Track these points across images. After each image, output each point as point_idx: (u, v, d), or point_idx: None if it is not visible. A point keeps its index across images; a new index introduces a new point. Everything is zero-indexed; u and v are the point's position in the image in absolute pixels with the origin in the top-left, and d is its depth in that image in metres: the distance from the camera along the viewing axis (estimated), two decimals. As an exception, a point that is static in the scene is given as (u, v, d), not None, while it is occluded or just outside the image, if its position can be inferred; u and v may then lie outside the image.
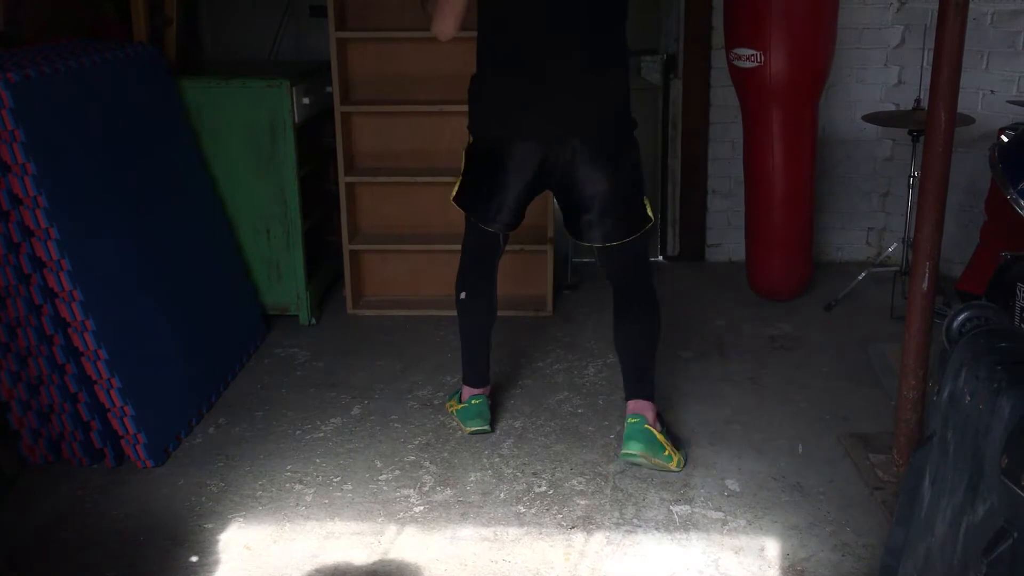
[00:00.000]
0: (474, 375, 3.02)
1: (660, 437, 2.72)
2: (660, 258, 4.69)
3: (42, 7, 3.55)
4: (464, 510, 2.60)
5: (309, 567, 2.38)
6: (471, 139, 2.76)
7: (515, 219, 2.76)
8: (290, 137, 3.61)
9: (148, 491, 2.70)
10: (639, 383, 2.82)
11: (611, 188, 2.64)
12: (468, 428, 2.98)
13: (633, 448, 2.70)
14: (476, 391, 3.01)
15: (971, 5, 2.40)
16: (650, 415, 2.77)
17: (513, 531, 2.50)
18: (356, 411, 3.17)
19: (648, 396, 2.80)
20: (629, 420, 2.76)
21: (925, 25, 3.90)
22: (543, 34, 2.58)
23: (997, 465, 1.45)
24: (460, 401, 3.05)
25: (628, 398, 2.83)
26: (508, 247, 3.92)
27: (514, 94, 2.63)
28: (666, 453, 2.71)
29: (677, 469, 2.73)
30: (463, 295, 2.92)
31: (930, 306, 2.54)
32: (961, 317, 1.79)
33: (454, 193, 2.80)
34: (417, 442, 2.96)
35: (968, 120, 3.58)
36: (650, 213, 2.70)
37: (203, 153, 3.60)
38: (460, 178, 2.78)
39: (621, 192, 2.66)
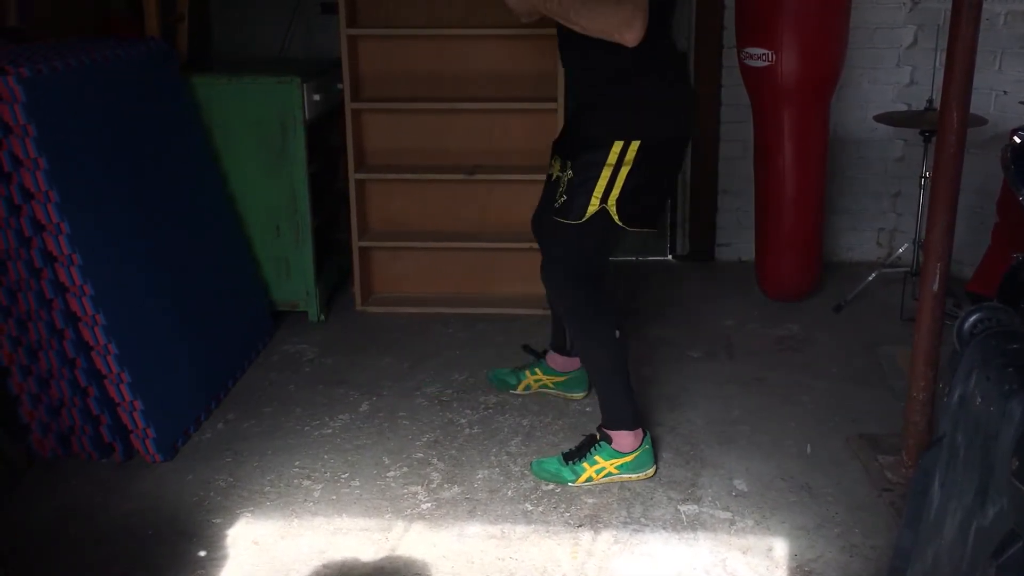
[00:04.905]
0: (638, 413, 2.77)
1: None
2: (669, 257, 4.68)
3: (53, 3, 3.57)
4: (472, 507, 2.60)
5: (317, 563, 2.38)
6: (634, 146, 2.49)
7: None
8: (300, 134, 3.62)
9: (157, 486, 2.71)
10: None
11: None
12: (647, 473, 2.72)
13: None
14: (642, 432, 2.74)
15: (984, 5, 2.39)
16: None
17: (520, 529, 2.51)
18: (364, 408, 3.17)
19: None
20: None
21: (938, 25, 3.88)
22: (672, 35, 2.63)
23: (1007, 468, 1.45)
24: (627, 452, 2.70)
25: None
26: (517, 244, 3.97)
27: (686, 93, 2.65)
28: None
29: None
30: (618, 333, 2.66)
31: (940, 307, 2.54)
32: (972, 319, 1.78)
33: (617, 217, 2.53)
34: (425, 439, 2.96)
35: (980, 121, 3.56)
36: None
37: (213, 149, 3.61)
38: (618, 195, 2.52)
39: None
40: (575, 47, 2.56)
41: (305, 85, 3.60)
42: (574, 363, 3.13)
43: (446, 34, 3.87)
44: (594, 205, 2.52)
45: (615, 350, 2.68)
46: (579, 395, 3.17)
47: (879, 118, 3.85)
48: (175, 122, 3.41)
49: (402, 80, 3.94)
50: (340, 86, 3.83)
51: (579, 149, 2.57)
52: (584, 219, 2.54)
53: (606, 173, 2.50)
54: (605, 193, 2.52)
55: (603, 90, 2.56)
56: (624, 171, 2.49)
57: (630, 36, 2.33)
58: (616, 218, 2.53)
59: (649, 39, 2.37)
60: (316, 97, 3.72)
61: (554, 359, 3.18)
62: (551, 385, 3.18)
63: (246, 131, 3.61)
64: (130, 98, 3.13)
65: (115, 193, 2.93)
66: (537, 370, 3.20)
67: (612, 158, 2.49)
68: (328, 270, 4.03)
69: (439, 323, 3.86)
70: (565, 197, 2.58)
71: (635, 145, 2.48)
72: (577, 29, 2.42)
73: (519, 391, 3.20)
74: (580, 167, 2.55)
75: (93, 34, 3.61)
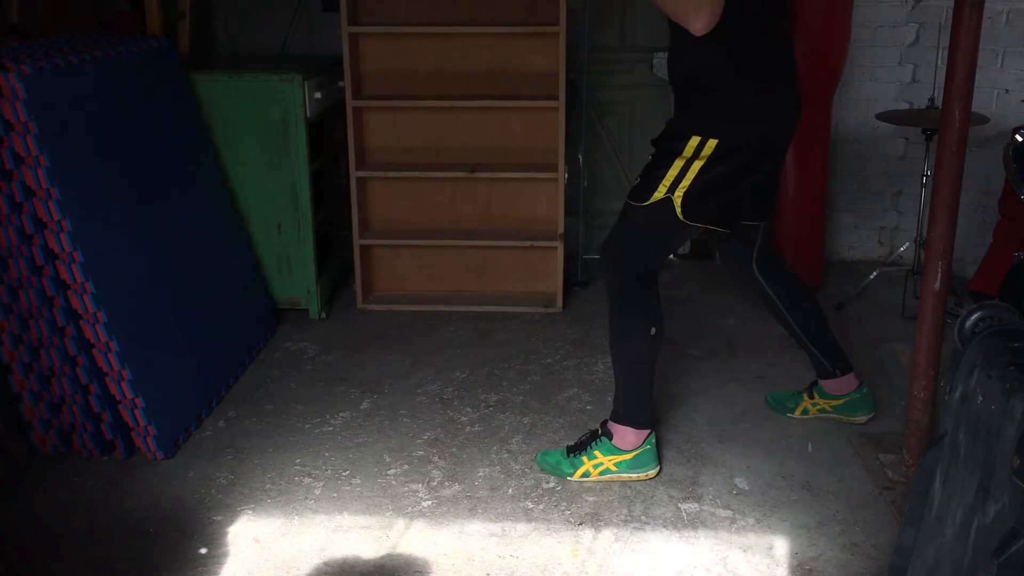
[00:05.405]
0: (649, 415, 2.75)
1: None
2: (671, 255, 4.67)
3: (55, 0, 3.57)
4: (472, 505, 2.60)
5: (317, 560, 2.38)
6: (712, 143, 2.47)
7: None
8: (302, 131, 3.62)
9: (158, 483, 2.71)
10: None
11: None
12: (648, 474, 2.73)
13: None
14: (646, 432, 2.73)
15: (986, 3, 2.38)
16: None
17: (521, 527, 2.51)
18: (365, 405, 3.18)
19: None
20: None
21: (940, 23, 3.88)
22: (786, 36, 2.62)
23: (1009, 466, 1.45)
24: (627, 449, 2.71)
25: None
26: (518, 242, 3.97)
27: (777, 95, 2.58)
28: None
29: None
30: (654, 330, 2.64)
31: (942, 306, 2.53)
32: (974, 317, 1.78)
33: (680, 210, 2.51)
34: (426, 437, 2.96)
35: (982, 119, 3.56)
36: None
37: (215, 147, 3.61)
38: (686, 188, 2.49)
39: None
40: (673, 47, 2.55)
41: (306, 82, 3.60)
42: (849, 384, 3.00)
43: (447, 32, 3.87)
44: (660, 192, 2.52)
45: (645, 345, 2.66)
46: (861, 418, 3.00)
47: (881, 116, 3.84)
48: (176, 119, 3.41)
49: (403, 78, 3.94)
50: (341, 83, 3.83)
51: (662, 139, 2.60)
52: (647, 202, 2.54)
53: (678, 164, 2.49)
54: (673, 184, 2.50)
55: (692, 89, 2.55)
56: (697, 165, 2.48)
57: (696, 24, 2.32)
58: (678, 211, 2.51)
59: (738, 36, 2.39)
60: (317, 94, 3.72)
61: (827, 384, 3.02)
62: (830, 409, 3.02)
63: (247, 128, 3.62)
64: (131, 95, 3.13)
65: (116, 190, 2.93)
66: (815, 394, 3.05)
67: (688, 151, 2.49)
68: (329, 268, 4.03)
69: (440, 321, 3.86)
70: (639, 180, 2.60)
71: (712, 143, 2.47)
72: (654, 5, 2.42)
73: (796, 415, 3.05)
74: (657, 154, 2.58)
75: (95, 31, 3.61)
